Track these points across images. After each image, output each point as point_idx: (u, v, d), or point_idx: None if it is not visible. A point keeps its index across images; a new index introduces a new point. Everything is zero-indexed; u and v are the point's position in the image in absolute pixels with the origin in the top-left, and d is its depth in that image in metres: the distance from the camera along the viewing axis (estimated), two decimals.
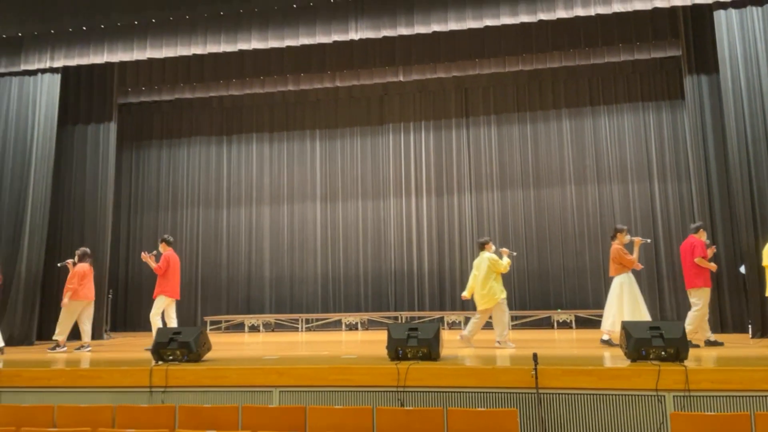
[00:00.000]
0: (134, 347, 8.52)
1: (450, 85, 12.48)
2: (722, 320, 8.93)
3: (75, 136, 11.20)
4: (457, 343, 7.77)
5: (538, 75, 12.06)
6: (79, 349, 8.29)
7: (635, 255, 7.42)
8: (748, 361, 5.23)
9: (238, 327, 12.14)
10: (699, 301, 7.11)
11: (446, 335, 9.25)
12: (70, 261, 8.68)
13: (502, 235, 11.85)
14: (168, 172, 13.49)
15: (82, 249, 8.72)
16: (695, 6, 9.40)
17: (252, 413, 3.91)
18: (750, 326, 8.15)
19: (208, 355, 6.34)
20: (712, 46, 9.29)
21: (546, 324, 11.00)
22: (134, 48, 9.83)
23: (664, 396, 4.64)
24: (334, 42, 9.83)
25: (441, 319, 11.31)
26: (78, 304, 8.42)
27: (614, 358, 5.60)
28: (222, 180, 13.28)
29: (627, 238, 7.58)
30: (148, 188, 13.49)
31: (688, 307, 7.35)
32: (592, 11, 8.79)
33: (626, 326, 5.33)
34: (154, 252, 8.83)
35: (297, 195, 12.90)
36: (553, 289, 11.43)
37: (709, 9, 9.10)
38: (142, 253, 8.67)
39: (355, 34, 9.45)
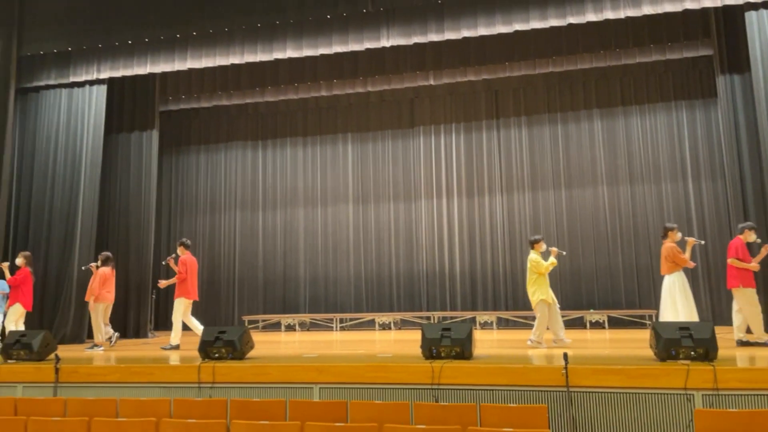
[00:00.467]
0: (182, 345, 8.90)
1: (480, 88, 12.62)
2: None
3: (120, 143, 11.74)
4: (499, 344, 7.93)
5: (569, 76, 12.10)
6: (91, 348, 8.53)
7: (687, 255, 7.40)
8: None
9: (275, 326, 12.52)
10: (740, 301, 7.13)
11: (478, 335, 9.43)
12: (93, 264, 8.97)
13: (533, 235, 11.93)
14: (206, 177, 13.97)
15: (105, 253, 9.00)
16: (726, 7, 9.37)
17: (298, 407, 4.20)
18: None
19: (251, 353, 6.66)
20: (744, 45, 9.23)
21: (579, 324, 11.07)
22: (176, 59, 10.28)
23: (693, 395, 4.77)
24: (366, 49, 10.09)
25: (473, 319, 11.48)
26: (100, 305, 8.67)
27: (644, 358, 5.72)
28: (258, 183, 13.69)
29: (678, 236, 7.55)
30: (187, 192, 13.99)
31: (726, 307, 7.36)
32: (621, 14, 8.85)
33: (656, 327, 5.44)
34: (173, 255, 9.10)
35: (330, 197, 13.21)
36: (586, 289, 11.47)
37: (740, 9, 9.07)
38: (168, 258, 9.00)
39: (386, 41, 9.69)
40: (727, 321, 8.75)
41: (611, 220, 11.64)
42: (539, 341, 7.55)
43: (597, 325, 10.88)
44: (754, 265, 7.16)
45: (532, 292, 7.67)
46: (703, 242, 8.67)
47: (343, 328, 12.20)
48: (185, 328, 8.79)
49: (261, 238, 13.44)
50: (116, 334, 8.98)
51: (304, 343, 9.19)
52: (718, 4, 8.50)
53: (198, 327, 8.62)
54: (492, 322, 11.44)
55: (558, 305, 7.85)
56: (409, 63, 10.99)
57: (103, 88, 10.86)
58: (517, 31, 9.79)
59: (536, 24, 9.21)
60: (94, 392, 6.01)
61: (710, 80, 11.26)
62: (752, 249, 7.81)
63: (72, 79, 10.75)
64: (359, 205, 13.05)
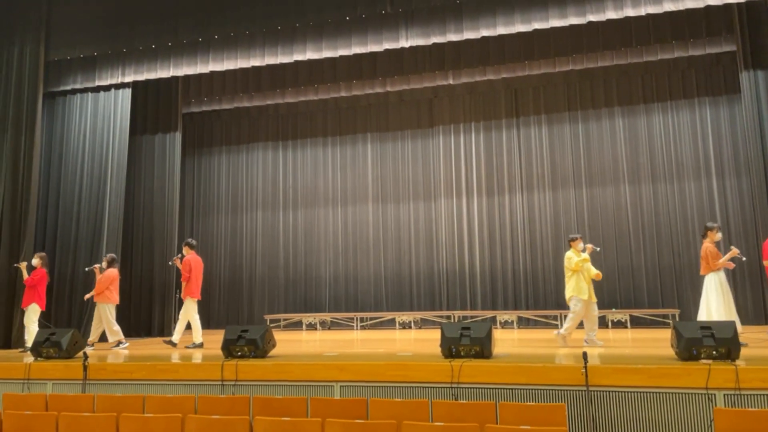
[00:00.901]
0: (205, 344, 9.06)
1: (500, 86, 12.60)
2: None
3: (144, 145, 11.97)
4: (519, 343, 7.94)
5: (590, 74, 12.02)
6: (91, 347, 8.67)
7: (723, 260, 7.23)
8: None
9: (296, 325, 12.65)
10: None
11: (498, 334, 9.43)
12: (97, 266, 9.11)
13: (554, 234, 11.91)
14: (228, 177, 14.17)
15: (111, 255, 9.14)
16: (750, 2, 9.23)
17: (319, 404, 4.28)
18: None
19: (273, 352, 6.77)
20: None
21: (601, 323, 10.92)
22: (198, 62, 10.44)
23: (715, 394, 4.73)
24: (385, 49, 10.14)
25: (493, 319, 11.48)
26: (109, 306, 8.82)
27: (665, 358, 5.68)
28: (279, 183, 13.84)
29: (718, 236, 7.39)
30: (209, 192, 14.20)
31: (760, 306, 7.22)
32: (642, 11, 8.76)
33: (677, 326, 5.41)
34: (179, 255, 9.19)
35: (350, 197, 13.30)
36: (608, 288, 11.38)
37: (764, 4, 8.93)
38: (174, 258, 9.10)
39: (405, 42, 9.72)
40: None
41: (633, 218, 11.54)
42: (565, 336, 7.51)
43: (619, 325, 10.80)
44: None
45: (570, 289, 7.65)
46: (744, 258, 8.13)
47: (363, 327, 12.28)
48: (187, 327, 8.91)
49: (282, 238, 13.59)
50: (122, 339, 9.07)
51: (325, 341, 9.29)
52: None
53: (197, 328, 8.75)
54: (513, 322, 11.42)
55: (596, 304, 7.76)
56: (428, 63, 11.02)
57: (128, 91, 11.07)
58: (536, 30, 9.76)
59: (556, 22, 9.16)
60: (121, 389, 6.17)
61: (734, 76, 11.09)
62: None
63: (98, 83, 10.98)
64: (379, 204, 13.12)
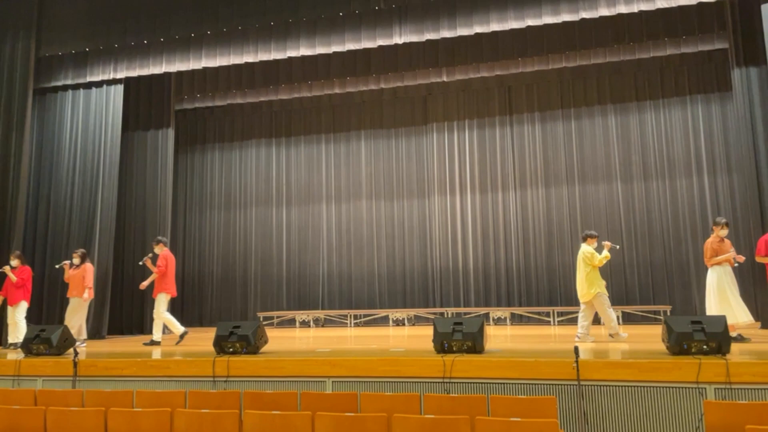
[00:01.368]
0: (196, 340, 9.04)
1: (493, 84, 12.60)
2: None
3: (136, 142, 11.91)
4: (512, 339, 7.96)
5: (583, 71, 12.04)
6: (83, 344, 8.58)
7: (723, 257, 7.17)
8: None
9: (290, 322, 12.62)
10: None
11: (491, 331, 9.44)
12: (66, 262, 8.99)
13: (547, 231, 11.93)
14: (221, 174, 14.11)
15: (82, 250, 9.04)
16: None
17: (310, 398, 4.26)
18: None
19: (265, 348, 6.75)
20: (760, 37, 9.11)
21: (595, 320, 10.99)
22: (191, 58, 10.40)
23: (705, 388, 4.75)
24: (379, 46, 10.12)
25: (486, 315, 11.49)
26: (88, 302, 8.80)
27: (656, 352, 5.70)
28: (272, 180, 13.80)
29: (723, 232, 7.32)
30: (202, 189, 14.15)
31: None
32: (635, 8, 8.77)
33: (668, 321, 5.43)
34: (150, 255, 9.12)
35: (344, 194, 13.28)
36: None
37: (756, 1, 8.96)
38: (145, 258, 8.97)
39: (399, 38, 9.71)
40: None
41: (625, 215, 11.57)
42: (617, 332, 7.51)
43: None
44: None
45: (588, 286, 7.63)
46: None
47: (357, 324, 12.27)
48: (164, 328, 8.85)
49: (275, 235, 13.55)
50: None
51: (318, 338, 9.27)
52: None
53: (175, 323, 8.68)
54: (505, 318, 11.44)
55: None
56: (421, 59, 11.01)
57: (120, 87, 11.01)
58: (529, 27, 9.76)
59: (549, 19, 9.17)
60: (112, 385, 6.13)
61: (726, 73, 11.13)
62: None
63: (89, 79, 10.92)
64: (373, 201, 13.11)
